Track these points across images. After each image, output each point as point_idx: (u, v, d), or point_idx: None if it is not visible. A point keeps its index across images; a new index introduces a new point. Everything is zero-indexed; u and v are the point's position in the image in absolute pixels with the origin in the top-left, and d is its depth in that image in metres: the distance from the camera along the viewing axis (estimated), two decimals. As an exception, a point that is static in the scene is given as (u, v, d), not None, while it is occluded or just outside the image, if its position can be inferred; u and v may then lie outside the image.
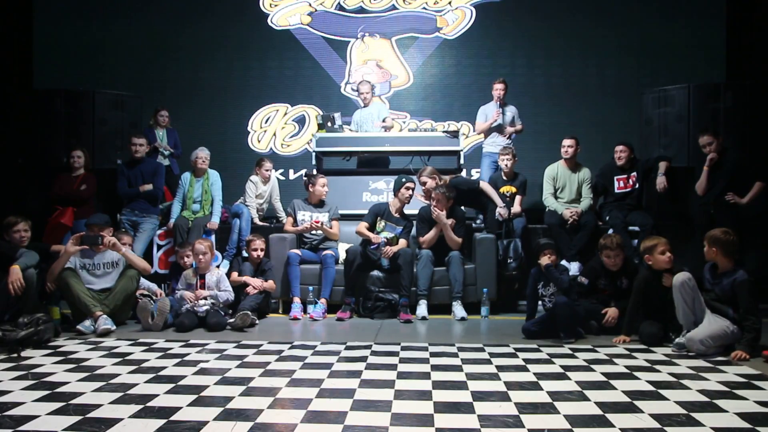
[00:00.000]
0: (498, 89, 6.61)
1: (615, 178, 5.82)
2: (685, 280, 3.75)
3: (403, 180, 5.42)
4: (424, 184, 5.51)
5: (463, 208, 5.56)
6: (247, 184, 6.31)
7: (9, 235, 4.52)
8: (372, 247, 5.23)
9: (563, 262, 5.15)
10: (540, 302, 4.50)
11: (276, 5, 8.32)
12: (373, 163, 6.74)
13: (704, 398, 2.79)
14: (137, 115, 6.76)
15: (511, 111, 6.70)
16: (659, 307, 4.04)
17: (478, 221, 6.05)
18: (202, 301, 4.59)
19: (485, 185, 5.74)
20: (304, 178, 5.86)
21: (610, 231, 5.39)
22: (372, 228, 5.37)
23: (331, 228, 5.47)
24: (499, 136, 6.64)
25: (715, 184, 5.29)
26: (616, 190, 5.80)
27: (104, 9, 8.27)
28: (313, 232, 5.49)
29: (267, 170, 6.36)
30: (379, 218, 5.40)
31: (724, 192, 5.23)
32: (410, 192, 5.42)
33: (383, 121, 6.82)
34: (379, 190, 6.26)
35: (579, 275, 4.62)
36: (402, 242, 5.27)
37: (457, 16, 8.15)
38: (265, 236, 5.33)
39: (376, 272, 5.19)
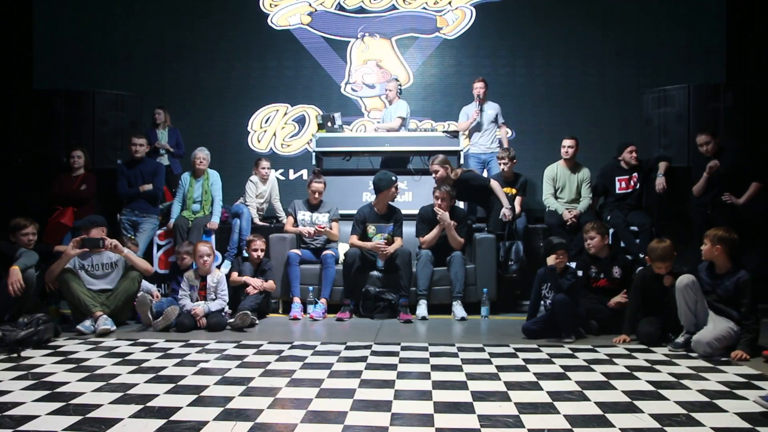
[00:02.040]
0: (477, 88, 6.58)
1: (616, 178, 5.82)
2: (688, 283, 3.73)
3: (393, 179, 5.31)
4: (435, 172, 5.40)
5: (462, 204, 5.52)
6: (247, 184, 6.32)
7: (16, 237, 4.50)
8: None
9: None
10: (542, 303, 4.47)
11: (276, 5, 8.31)
12: (395, 163, 6.66)
13: (704, 398, 2.80)
14: (137, 115, 6.75)
15: (493, 109, 6.65)
16: (657, 306, 4.04)
17: (471, 218, 6.01)
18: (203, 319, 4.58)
19: (495, 185, 5.61)
20: (306, 177, 5.85)
21: (611, 231, 5.41)
22: (363, 236, 5.30)
23: (330, 228, 5.47)
24: (482, 137, 6.60)
25: (712, 185, 5.28)
26: (618, 191, 5.80)
27: (104, 9, 8.26)
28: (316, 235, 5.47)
29: (263, 169, 6.35)
30: (367, 224, 5.31)
31: (720, 192, 5.23)
32: (398, 192, 5.41)
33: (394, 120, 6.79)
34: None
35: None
36: (397, 241, 5.24)
37: (457, 16, 8.14)
38: (265, 236, 5.33)
39: (375, 272, 5.18)
